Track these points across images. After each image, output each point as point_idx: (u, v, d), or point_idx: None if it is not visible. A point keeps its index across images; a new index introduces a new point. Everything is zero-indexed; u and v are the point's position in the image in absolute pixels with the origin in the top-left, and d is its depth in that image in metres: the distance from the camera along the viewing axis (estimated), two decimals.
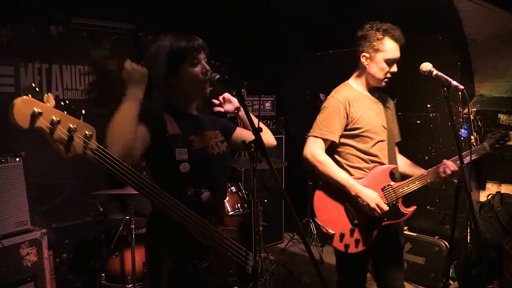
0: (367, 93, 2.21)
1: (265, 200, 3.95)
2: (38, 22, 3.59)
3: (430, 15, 3.39)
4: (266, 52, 4.78)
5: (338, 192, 2.08)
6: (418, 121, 3.82)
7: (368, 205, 2.00)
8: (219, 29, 3.91)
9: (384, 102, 2.26)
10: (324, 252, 4.22)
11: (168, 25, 4.21)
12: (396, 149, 2.33)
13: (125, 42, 4.16)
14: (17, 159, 2.90)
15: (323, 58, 4.74)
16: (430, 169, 2.15)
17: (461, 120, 3.54)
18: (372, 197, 2.01)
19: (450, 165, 2.09)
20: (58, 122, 1.11)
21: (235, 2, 4.22)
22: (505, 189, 3.51)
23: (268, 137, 1.91)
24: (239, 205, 3.50)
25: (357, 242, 2.08)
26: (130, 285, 3.06)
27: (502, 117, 3.37)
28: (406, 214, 2.12)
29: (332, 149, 2.18)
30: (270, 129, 4.79)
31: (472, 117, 3.52)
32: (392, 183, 2.12)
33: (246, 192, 3.68)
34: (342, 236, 2.08)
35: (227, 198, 3.45)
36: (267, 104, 4.82)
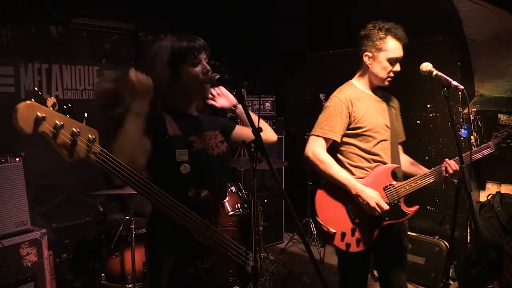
0: (371, 93, 2.22)
1: (265, 200, 3.96)
2: (38, 22, 3.60)
3: (430, 15, 3.39)
4: (266, 52, 4.78)
5: (340, 191, 2.09)
6: (418, 121, 3.82)
7: (368, 204, 2.00)
8: (219, 29, 3.91)
9: (388, 102, 2.26)
10: (323, 252, 4.22)
11: (168, 25, 4.25)
12: (400, 148, 2.34)
13: (125, 42, 4.17)
14: (17, 159, 2.90)
15: (323, 58, 4.74)
16: (432, 169, 2.15)
17: (461, 120, 3.54)
18: (372, 197, 2.00)
19: (452, 165, 2.08)
20: (62, 126, 1.11)
21: (235, 2, 4.22)
22: (505, 189, 3.51)
23: (269, 133, 1.90)
24: (239, 205, 3.50)
25: (358, 241, 2.08)
26: (130, 285, 3.06)
27: (502, 117, 3.37)
28: (408, 214, 2.12)
29: (334, 148, 2.19)
30: None
31: (472, 117, 3.52)
32: (394, 182, 2.12)
33: (246, 192, 3.68)
34: (343, 235, 2.08)
35: (227, 198, 3.45)
36: (267, 104, 4.82)
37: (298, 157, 4.79)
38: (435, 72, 1.92)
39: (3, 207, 2.82)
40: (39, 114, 1.06)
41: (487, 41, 3.36)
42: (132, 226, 2.97)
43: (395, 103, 2.32)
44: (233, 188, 3.64)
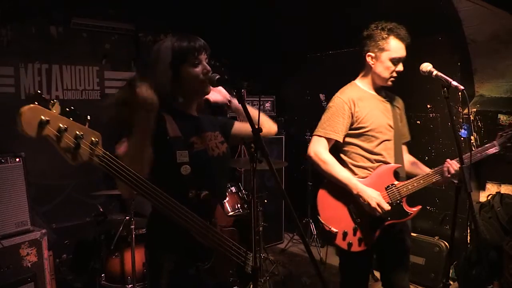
0: (374, 93, 2.22)
1: (265, 201, 3.95)
2: (38, 22, 3.60)
3: (430, 16, 3.39)
4: (266, 52, 4.78)
5: (342, 190, 2.09)
6: (418, 122, 3.82)
7: (368, 204, 2.00)
8: (219, 29, 3.91)
9: (392, 102, 2.26)
10: (324, 252, 4.22)
11: (168, 25, 4.25)
12: (405, 148, 2.35)
13: (125, 42, 4.17)
14: (17, 160, 2.91)
15: (323, 58, 4.74)
16: (435, 169, 2.15)
17: (461, 120, 3.54)
18: (373, 197, 2.01)
19: (454, 165, 2.09)
20: (65, 129, 1.11)
21: (235, 2, 4.22)
22: (505, 189, 3.51)
23: (268, 127, 1.88)
24: (239, 205, 3.50)
25: (360, 240, 2.08)
26: (130, 286, 3.06)
27: (502, 117, 3.37)
28: (411, 213, 2.13)
29: (337, 148, 2.19)
30: None
31: (472, 118, 3.52)
32: (396, 182, 2.13)
33: (246, 193, 3.68)
34: (345, 234, 2.09)
35: (227, 199, 3.45)
36: (267, 105, 4.82)
37: (298, 158, 4.83)
38: (435, 72, 1.92)
39: (3, 207, 2.82)
40: (43, 117, 1.06)
41: (487, 41, 3.36)
42: (132, 227, 2.97)
43: (399, 103, 2.32)
44: (233, 189, 3.64)
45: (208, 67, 1.58)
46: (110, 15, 3.99)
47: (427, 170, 2.22)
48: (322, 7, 3.96)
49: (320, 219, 2.12)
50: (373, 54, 2.14)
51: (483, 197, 3.63)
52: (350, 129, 2.14)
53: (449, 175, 2.09)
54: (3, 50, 3.39)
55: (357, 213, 2.10)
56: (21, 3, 3.45)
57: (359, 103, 2.13)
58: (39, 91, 1.11)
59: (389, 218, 2.09)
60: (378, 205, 1.99)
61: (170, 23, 4.19)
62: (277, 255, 4.39)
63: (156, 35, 4.35)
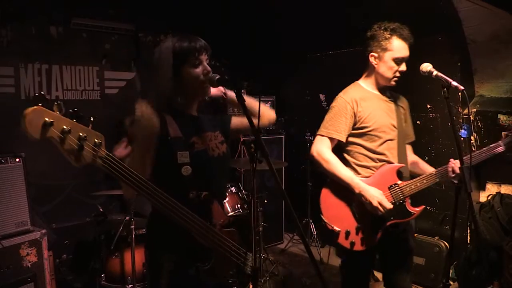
0: (378, 93, 2.23)
1: (265, 201, 3.95)
2: (38, 22, 3.60)
3: (430, 16, 3.39)
4: (266, 52, 4.78)
5: (344, 189, 2.10)
6: (418, 122, 3.82)
7: (370, 203, 2.01)
8: (219, 29, 3.91)
9: (396, 102, 2.27)
10: (324, 252, 4.22)
11: (168, 26, 4.25)
12: (410, 148, 2.35)
13: (125, 42, 4.17)
14: (17, 160, 2.90)
15: (323, 58, 4.74)
16: (438, 169, 2.15)
17: (461, 120, 3.54)
18: (375, 196, 2.01)
19: (459, 165, 2.08)
20: (69, 131, 1.11)
21: (235, 2, 4.22)
22: (505, 189, 3.51)
23: (268, 116, 1.88)
24: (239, 205, 3.50)
25: (362, 240, 2.09)
26: (130, 286, 3.06)
27: (502, 117, 3.37)
28: (414, 213, 2.13)
29: (341, 148, 2.21)
30: (270, 129, 4.81)
31: (472, 118, 3.52)
32: (399, 182, 2.13)
33: (246, 193, 3.68)
34: (347, 233, 2.09)
35: (227, 199, 3.45)
36: (267, 105, 4.81)
37: (298, 158, 4.82)
38: (435, 72, 1.92)
39: (3, 207, 2.82)
40: (47, 119, 1.07)
41: (487, 41, 3.36)
42: (132, 227, 2.97)
43: (404, 103, 2.33)
44: (233, 189, 3.64)
45: (209, 68, 1.58)
46: (110, 15, 3.98)
47: (431, 170, 2.21)
48: (322, 7, 3.96)
49: (323, 218, 2.13)
50: (376, 54, 2.15)
51: (483, 197, 3.63)
52: (353, 128, 2.15)
53: (453, 175, 2.09)
54: (3, 50, 3.39)
55: (359, 212, 2.10)
56: (21, 3, 3.45)
57: (362, 103, 2.14)
58: (42, 93, 1.11)
59: (392, 218, 2.09)
60: (380, 204, 2.00)
61: (170, 23, 4.19)
62: (277, 255, 4.38)
63: (156, 35, 4.35)
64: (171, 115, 1.56)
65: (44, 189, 3.56)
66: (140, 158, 1.40)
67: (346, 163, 2.16)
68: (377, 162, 2.15)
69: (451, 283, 2.60)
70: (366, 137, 2.14)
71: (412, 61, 2.15)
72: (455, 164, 2.08)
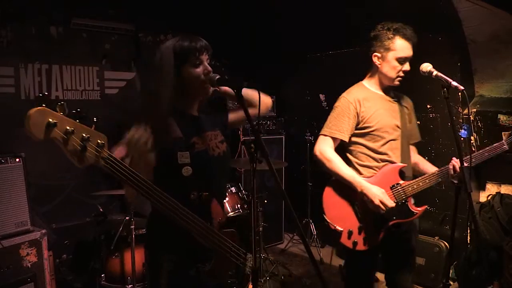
0: (381, 93, 2.23)
1: (265, 201, 3.95)
2: (38, 22, 3.60)
3: (430, 16, 3.39)
4: (266, 52, 4.78)
5: (347, 189, 2.11)
6: (418, 122, 3.79)
7: (372, 201, 2.01)
8: (219, 29, 3.91)
9: (400, 102, 2.27)
10: (324, 252, 4.22)
11: (168, 26, 4.25)
12: (414, 149, 2.36)
13: (125, 42, 4.17)
14: (17, 160, 2.90)
15: (323, 58, 4.74)
16: (440, 168, 2.16)
17: (461, 120, 3.54)
18: (377, 194, 2.01)
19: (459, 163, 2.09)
20: (72, 132, 1.11)
21: (235, 2, 4.22)
22: (505, 189, 3.51)
23: (265, 103, 1.88)
24: (239, 205, 3.50)
25: (365, 240, 2.09)
26: (130, 286, 3.06)
27: (502, 117, 3.37)
28: (416, 213, 2.13)
29: (344, 148, 2.22)
30: (270, 129, 4.81)
31: (472, 118, 3.52)
32: (401, 181, 2.13)
33: (246, 193, 3.68)
34: (350, 233, 2.10)
35: (227, 199, 3.45)
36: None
37: (298, 158, 4.82)
38: (435, 72, 1.92)
39: (3, 207, 2.82)
40: (50, 120, 1.06)
41: (487, 41, 3.36)
42: (132, 227, 2.97)
43: (408, 103, 2.33)
44: (233, 189, 3.64)
45: (209, 68, 1.58)
46: (110, 15, 3.98)
47: (434, 170, 2.22)
48: (322, 7, 3.96)
49: (326, 218, 2.14)
50: (379, 54, 2.15)
51: (483, 197, 3.63)
52: (356, 128, 2.16)
53: (455, 174, 2.09)
54: (3, 51, 3.39)
55: (362, 212, 2.11)
56: (21, 3, 3.45)
57: (365, 103, 2.15)
58: (46, 93, 1.11)
59: (394, 218, 2.09)
60: (382, 202, 2.00)
61: (170, 23, 4.19)
62: (277, 255, 4.38)
63: (156, 35, 4.34)
64: (172, 115, 1.56)
65: (44, 189, 3.56)
66: (139, 164, 1.39)
67: (348, 163, 2.17)
68: (379, 162, 2.15)
69: (451, 283, 2.60)
70: (368, 137, 2.15)
71: (412, 61, 2.15)
72: (456, 162, 2.08)
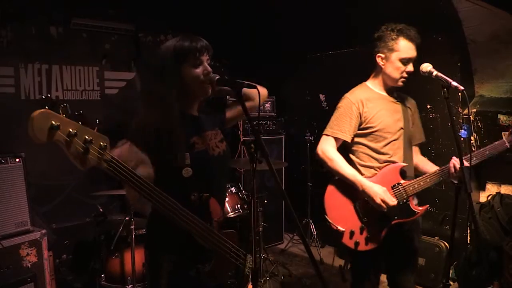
0: (385, 94, 2.23)
1: (265, 201, 3.96)
2: (38, 22, 3.60)
3: (430, 16, 3.39)
4: (266, 52, 4.78)
5: (348, 189, 2.12)
6: None
7: (373, 200, 2.02)
8: (219, 29, 3.91)
9: (403, 103, 2.27)
10: (324, 252, 4.22)
11: (168, 26, 4.25)
12: (417, 149, 2.37)
13: (125, 42, 4.17)
14: (17, 160, 2.90)
15: (323, 58, 4.74)
16: (441, 168, 2.16)
17: (461, 120, 3.54)
18: (379, 193, 2.02)
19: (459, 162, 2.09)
20: (75, 134, 1.10)
21: (235, 2, 4.22)
22: (505, 189, 3.51)
23: (262, 94, 1.83)
24: (239, 205, 3.50)
25: (367, 240, 2.10)
26: (129, 286, 3.06)
27: (502, 117, 3.37)
28: (417, 212, 2.14)
29: (346, 148, 2.23)
30: (270, 130, 4.81)
31: (472, 118, 3.52)
32: (402, 181, 2.14)
33: (246, 193, 3.68)
34: (352, 233, 2.10)
35: (227, 199, 3.45)
36: (267, 105, 4.81)
37: (298, 158, 4.81)
38: (435, 72, 1.92)
39: (3, 207, 2.82)
40: (53, 122, 1.05)
41: (487, 41, 3.36)
42: (132, 227, 2.97)
43: (412, 104, 2.33)
44: (233, 189, 3.64)
45: (209, 68, 1.58)
46: (110, 15, 3.98)
47: (435, 169, 2.21)
48: (322, 7, 3.96)
49: (327, 218, 2.14)
50: (383, 55, 2.15)
51: (483, 197, 3.63)
52: (359, 129, 2.17)
53: (455, 174, 2.09)
54: (3, 51, 3.39)
55: (363, 212, 2.12)
56: (21, 3, 3.45)
57: (367, 103, 2.16)
58: (49, 95, 1.11)
59: (396, 217, 2.10)
60: (383, 201, 2.01)
61: (170, 23, 4.19)
62: (277, 255, 4.38)
63: (156, 35, 4.34)
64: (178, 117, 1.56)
65: (44, 189, 3.56)
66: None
67: (351, 163, 2.18)
68: (381, 163, 2.16)
69: (451, 283, 2.60)
70: (371, 137, 2.16)
71: (413, 61, 2.16)
72: (457, 161, 2.08)
